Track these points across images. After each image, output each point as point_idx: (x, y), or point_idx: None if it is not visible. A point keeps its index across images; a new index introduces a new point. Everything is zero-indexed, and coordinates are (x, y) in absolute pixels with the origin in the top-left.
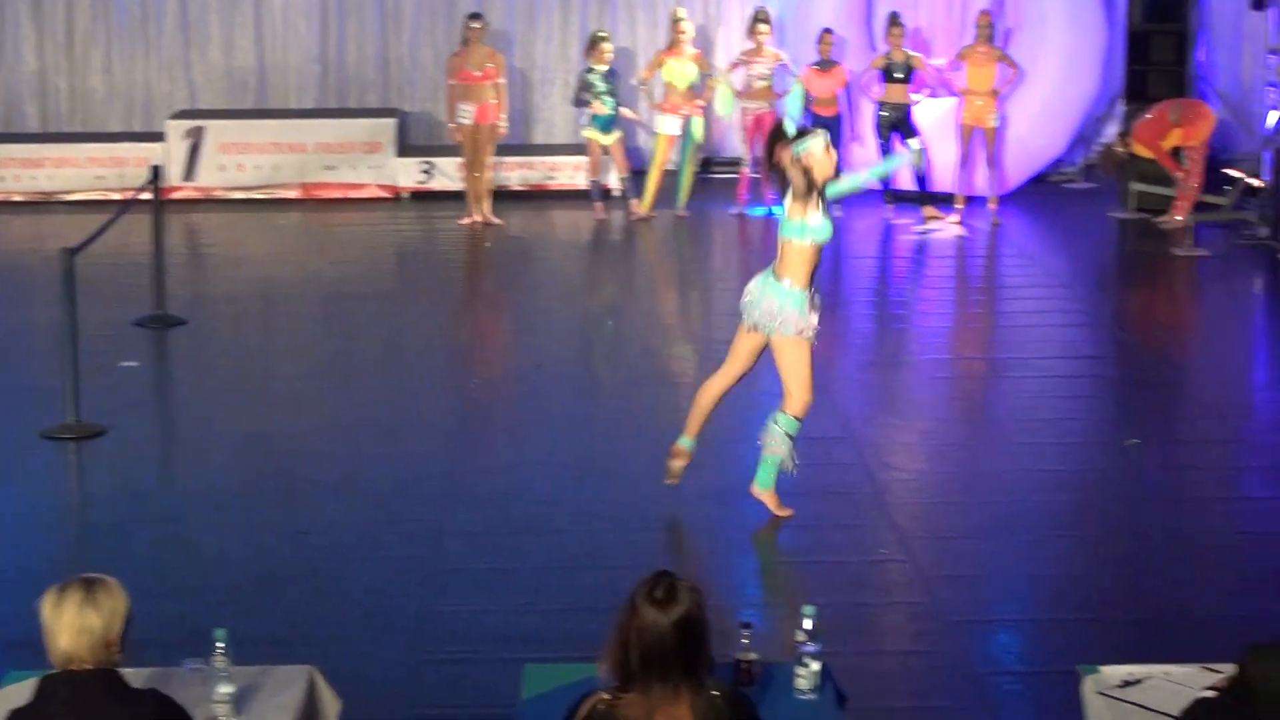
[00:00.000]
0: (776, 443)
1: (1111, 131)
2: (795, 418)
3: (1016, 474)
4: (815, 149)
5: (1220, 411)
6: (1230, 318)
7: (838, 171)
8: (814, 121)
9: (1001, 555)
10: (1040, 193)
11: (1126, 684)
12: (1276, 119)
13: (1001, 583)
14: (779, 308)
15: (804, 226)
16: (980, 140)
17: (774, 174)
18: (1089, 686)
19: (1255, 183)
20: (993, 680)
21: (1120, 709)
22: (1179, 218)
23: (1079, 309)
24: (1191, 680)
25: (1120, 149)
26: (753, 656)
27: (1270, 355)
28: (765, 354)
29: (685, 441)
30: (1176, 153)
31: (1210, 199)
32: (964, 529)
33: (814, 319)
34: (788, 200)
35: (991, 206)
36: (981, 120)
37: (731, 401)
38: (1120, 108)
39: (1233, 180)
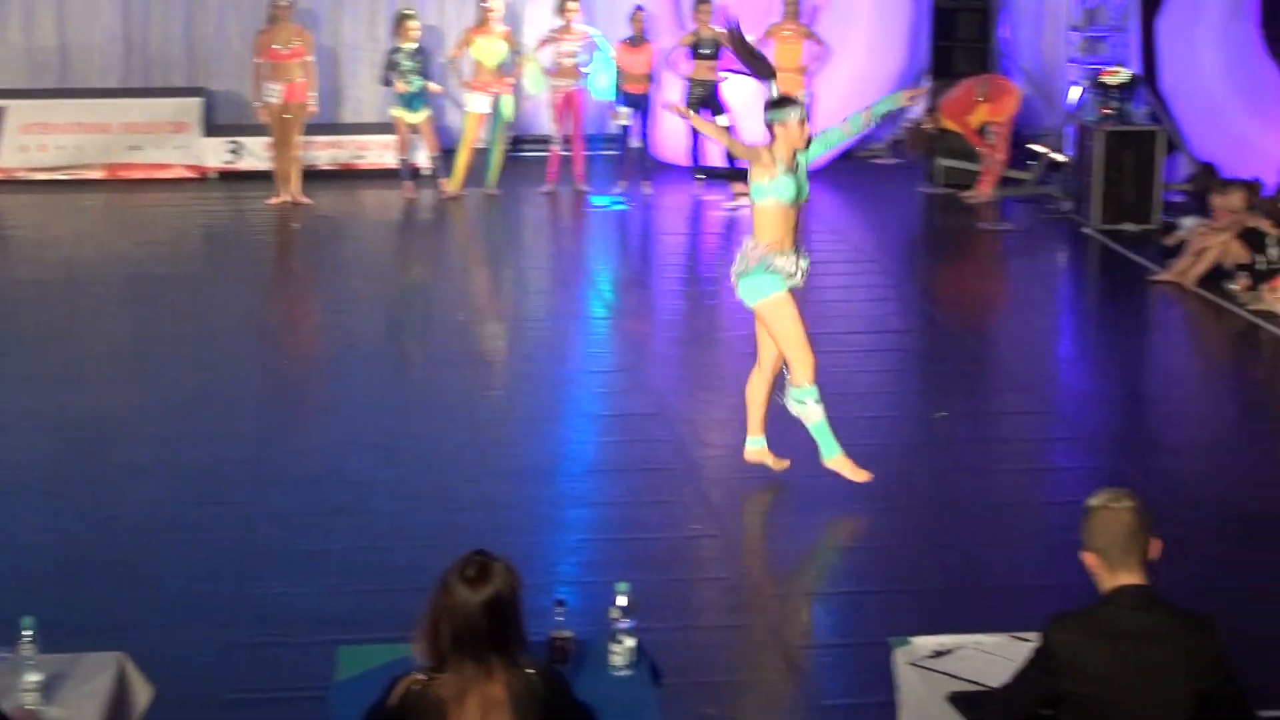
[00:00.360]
0: (809, 412)
1: (918, 108)
2: (804, 385)
3: None
4: (790, 120)
5: (1027, 384)
6: (1035, 291)
7: (807, 144)
8: (624, 100)
9: (811, 529)
10: (849, 169)
11: (937, 654)
12: (1079, 95)
13: (813, 556)
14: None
15: (762, 187)
16: None
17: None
18: (900, 657)
19: (1059, 158)
20: (805, 653)
21: (931, 679)
22: (985, 193)
23: (887, 284)
24: (1001, 649)
25: (927, 125)
26: (567, 634)
27: (1074, 328)
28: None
29: (755, 441)
30: (982, 129)
31: (1015, 174)
32: (776, 503)
33: (788, 276)
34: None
35: None
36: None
37: (547, 381)
38: (927, 84)
39: (1037, 156)
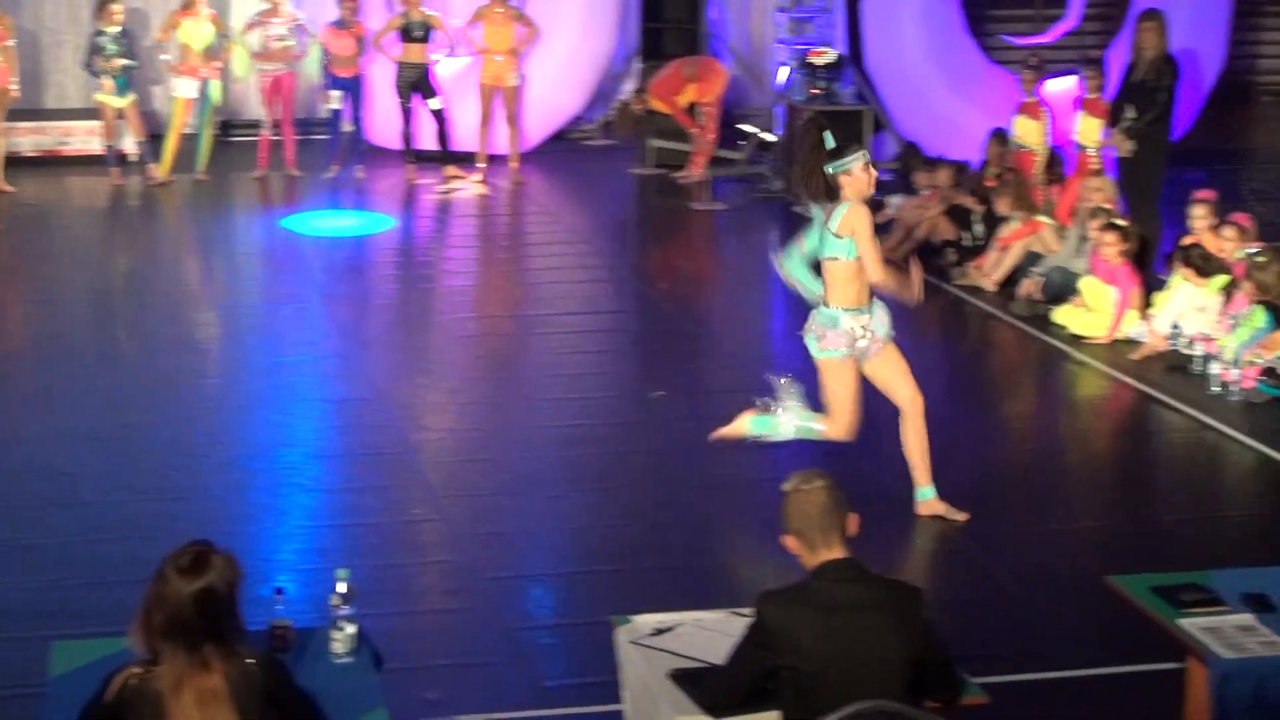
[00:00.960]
0: (787, 419)
1: (628, 89)
2: (822, 431)
3: (545, 430)
4: (855, 168)
5: (741, 361)
6: (748, 269)
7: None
8: (334, 83)
9: (532, 510)
10: (560, 150)
11: (658, 632)
12: (787, 75)
13: (533, 538)
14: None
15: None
16: (500, 99)
17: (809, 186)
18: (621, 636)
19: (768, 137)
20: (527, 634)
21: (653, 656)
22: (696, 172)
23: (601, 264)
24: (721, 625)
25: (637, 106)
26: (286, 622)
27: (786, 305)
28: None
29: (924, 493)
30: (692, 109)
31: (726, 154)
32: (495, 486)
33: (843, 339)
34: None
35: (513, 165)
36: (501, 79)
37: (261, 367)
38: (636, 65)
39: (747, 135)
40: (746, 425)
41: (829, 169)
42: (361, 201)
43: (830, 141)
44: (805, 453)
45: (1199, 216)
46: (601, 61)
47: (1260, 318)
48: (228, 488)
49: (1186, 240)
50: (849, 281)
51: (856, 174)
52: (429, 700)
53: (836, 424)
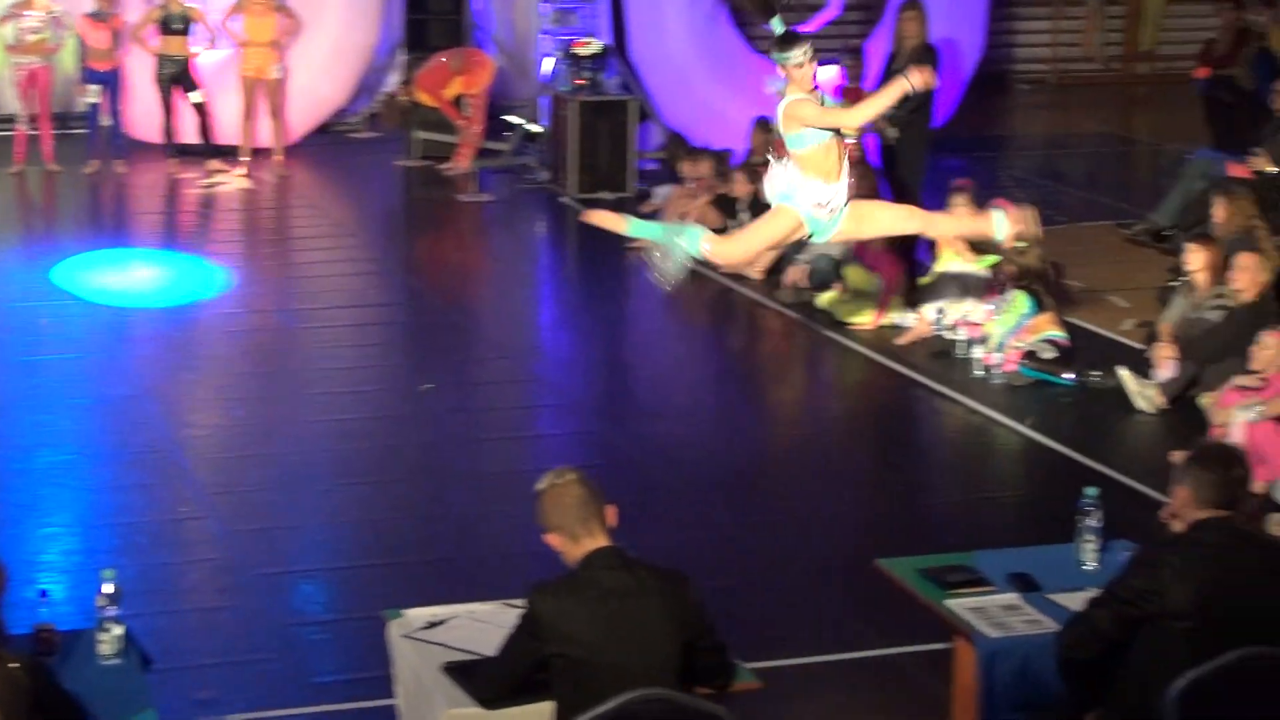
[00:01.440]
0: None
1: (394, 81)
2: (708, 249)
3: (313, 424)
4: (790, 60)
5: (511, 353)
6: (516, 260)
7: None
8: (91, 76)
9: (301, 506)
10: (325, 143)
11: (431, 625)
12: (552, 66)
13: (303, 533)
14: None
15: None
16: (262, 92)
17: None
18: (394, 630)
19: (534, 128)
20: (298, 630)
21: (426, 650)
22: (463, 164)
23: (368, 258)
24: (494, 617)
25: (403, 98)
26: (51, 625)
27: (555, 295)
28: None
29: None
30: (458, 101)
31: (492, 145)
32: (263, 481)
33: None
34: None
35: (277, 158)
36: (263, 72)
37: (21, 367)
38: (401, 57)
39: (513, 127)
40: (625, 224)
41: (773, 56)
42: (123, 196)
43: (779, 27)
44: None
45: (958, 204)
46: (365, 53)
47: (1023, 303)
48: None
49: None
50: (819, 162)
51: (791, 70)
52: (200, 700)
53: (733, 246)
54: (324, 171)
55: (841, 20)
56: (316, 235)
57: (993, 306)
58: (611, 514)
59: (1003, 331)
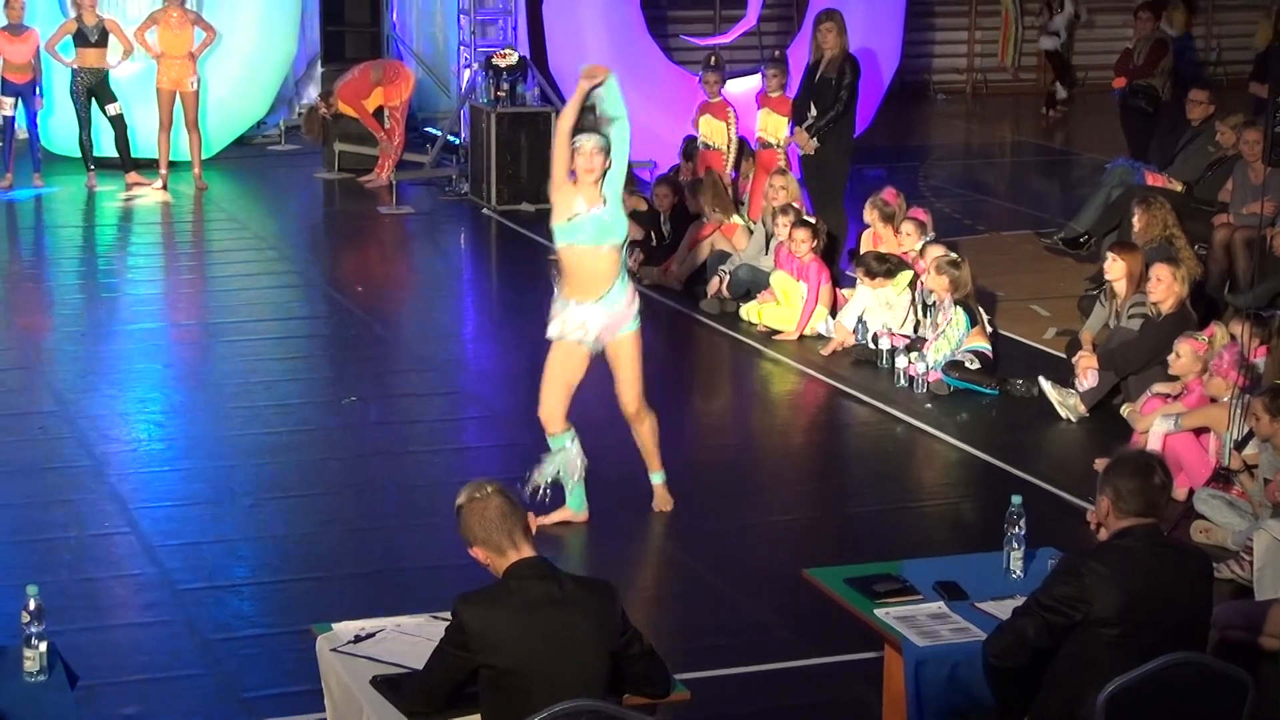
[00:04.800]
0: (544, 471)
1: (312, 93)
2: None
3: (236, 438)
4: (581, 146)
5: (434, 365)
6: (438, 272)
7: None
8: (5, 89)
9: (226, 520)
10: (244, 155)
11: (359, 638)
12: (469, 77)
13: (228, 547)
14: None
15: (559, 228)
16: (180, 104)
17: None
18: (322, 644)
19: (453, 140)
20: (226, 645)
21: (354, 664)
22: (383, 176)
23: (289, 270)
24: (422, 630)
25: (323, 110)
26: None
27: (477, 307)
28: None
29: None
30: (379, 112)
31: (413, 157)
32: (187, 496)
33: (553, 327)
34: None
35: (195, 171)
36: (179, 84)
37: None
38: (319, 69)
39: (433, 139)
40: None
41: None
42: (40, 209)
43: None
44: (492, 464)
45: (869, 214)
46: (282, 65)
47: (962, 320)
48: None
49: (867, 238)
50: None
51: (581, 153)
52: (126, 716)
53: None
54: (243, 184)
55: (758, 30)
56: (236, 248)
57: (927, 320)
58: (531, 521)
59: (949, 351)
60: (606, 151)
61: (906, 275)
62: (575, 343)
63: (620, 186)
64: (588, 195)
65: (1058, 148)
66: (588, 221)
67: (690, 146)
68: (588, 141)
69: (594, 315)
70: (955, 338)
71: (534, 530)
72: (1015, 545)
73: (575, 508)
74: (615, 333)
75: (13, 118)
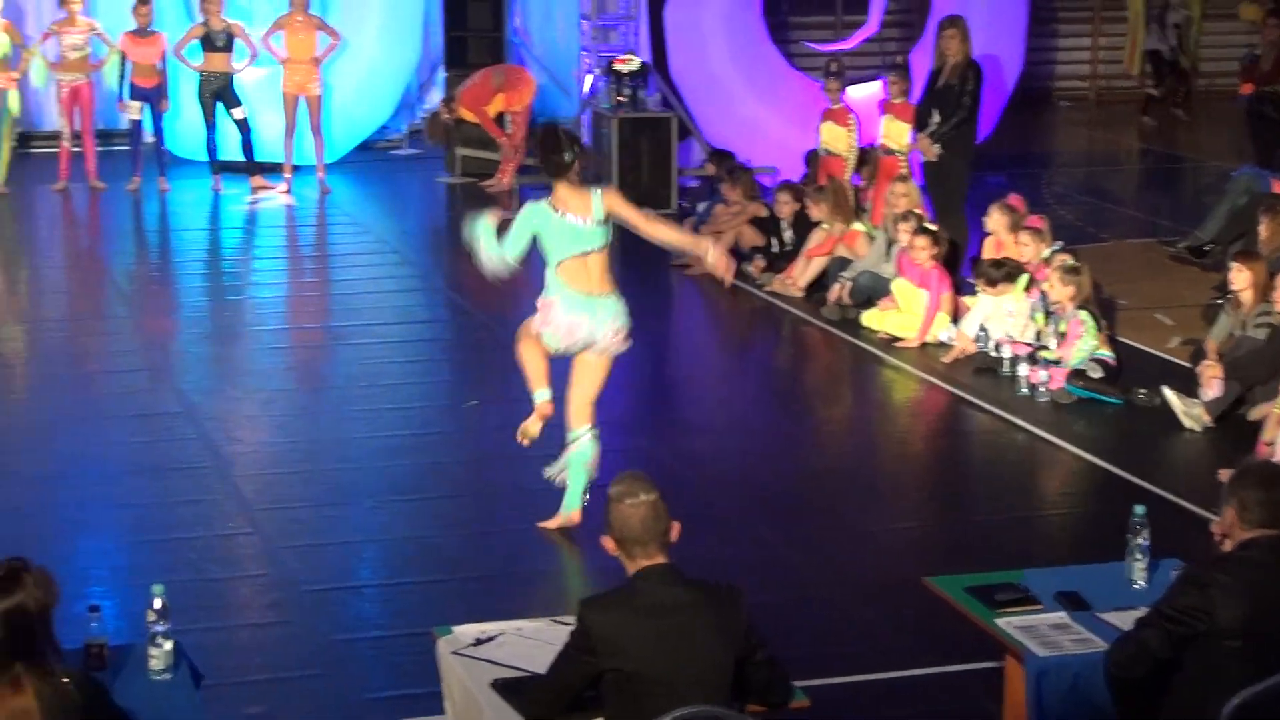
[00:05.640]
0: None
1: (435, 98)
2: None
3: (359, 441)
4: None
5: (553, 369)
6: None
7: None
8: (134, 93)
9: (349, 522)
10: (367, 160)
11: (480, 641)
12: (591, 83)
13: (351, 549)
14: None
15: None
16: (304, 108)
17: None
18: (443, 647)
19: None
20: (348, 646)
21: (475, 666)
22: (505, 181)
23: (411, 274)
24: (542, 634)
25: (446, 115)
26: (103, 640)
27: None
28: None
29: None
30: (501, 117)
31: (533, 162)
32: (310, 498)
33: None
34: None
35: (320, 175)
36: (304, 88)
37: (69, 383)
38: (442, 74)
39: None
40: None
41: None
42: (166, 212)
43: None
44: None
45: (995, 220)
46: (406, 70)
47: (1091, 326)
48: (38, 505)
49: (990, 245)
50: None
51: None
52: (250, 715)
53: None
54: (366, 188)
55: (880, 37)
56: (359, 252)
57: (1050, 329)
58: (675, 530)
59: (1084, 357)
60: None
61: (1023, 279)
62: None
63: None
64: (577, 205)
65: (1183, 155)
66: (566, 229)
67: (813, 156)
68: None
69: (583, 322)
70: (1090, 345)
71: (676, 538)
72: (1138, 555)
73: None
74: (600, 347)
75: (140, 121)
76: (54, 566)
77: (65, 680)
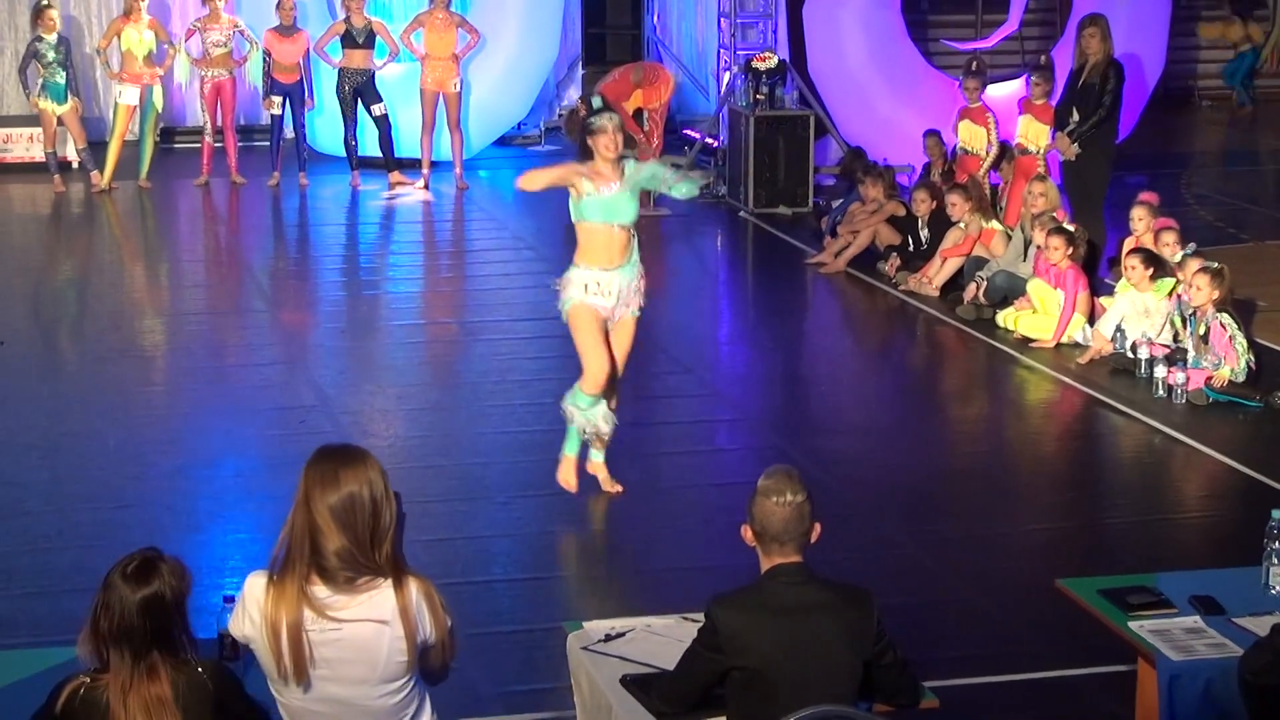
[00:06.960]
0: (569, 414)
1: (573, 94)
2: (582, 391)
3: (493, 436)
4: (596, 126)
5: (689, 367)
6: (695, 274)
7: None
8: (274, 89)
9: (480, 517)
10: (504, 156)
11: (609, 637)
12: (729, 80)
13: (481, 544)
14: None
15: (575, 206)
16: (443, 105)
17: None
18: (573, 642)
19: (712, 142)
20: (479, 640)
21: (604, 662)
22: None
23: (547, 270)
24: (671, 631)
25: (583, 111)
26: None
27: (733, 310)
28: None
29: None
30: (638, 114)
31: (671, 159)
32: (444, 492)
33: (571, 292)
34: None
35: (457, 171)
36: (443, 85)
37: (207, 376)
38: (580, 71)
39: (692, 141)
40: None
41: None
42: (306, 207)
43: (597, 102)
44: (743, 467)
45: (1139, 219)
46: (544, 67)
47: (1236, 329)
48: (175, 496)
49: (1130, 243)
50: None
51: (599, 137)
52: None
53: (584, 376)
54: (503, 184)
55: (1019, 35)
56: (495, 248)
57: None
58: (815, 532)
59: (1243, 363)
60: (623, 129)
61: (1169, 283)
62: (595, 307)
63: (642, 184)
64: (601, 176)
65: None
66: (595, 202)
67: (934, 146)
68: (609, 121)
69: (608, 279)
70: (1244, 348)
71: (815, 538)
72: (1276, 561)
73: (570, 450)
74: (622, 312)
75: (280, 117)
76: (189, 557)
77: (200, 670)
